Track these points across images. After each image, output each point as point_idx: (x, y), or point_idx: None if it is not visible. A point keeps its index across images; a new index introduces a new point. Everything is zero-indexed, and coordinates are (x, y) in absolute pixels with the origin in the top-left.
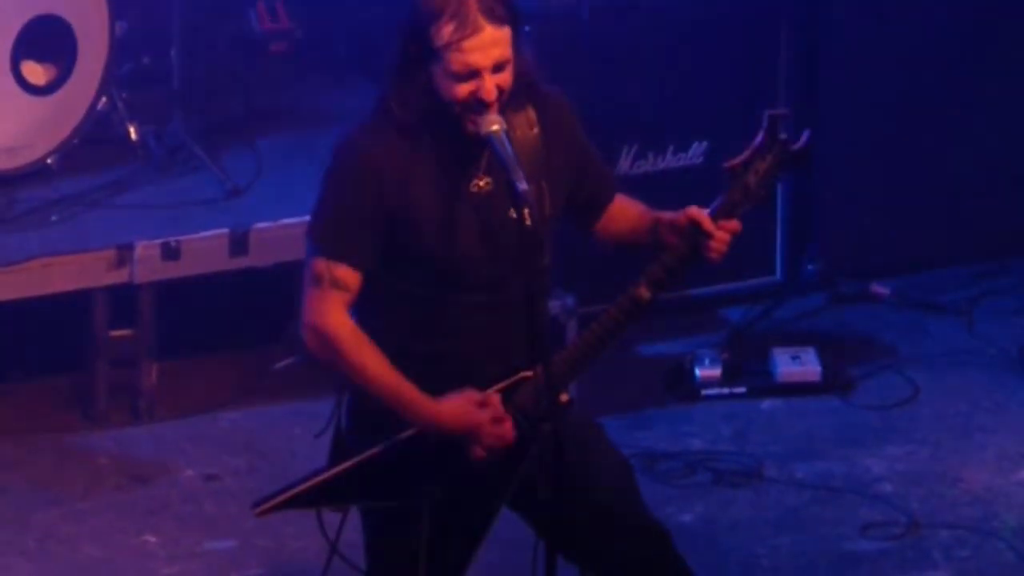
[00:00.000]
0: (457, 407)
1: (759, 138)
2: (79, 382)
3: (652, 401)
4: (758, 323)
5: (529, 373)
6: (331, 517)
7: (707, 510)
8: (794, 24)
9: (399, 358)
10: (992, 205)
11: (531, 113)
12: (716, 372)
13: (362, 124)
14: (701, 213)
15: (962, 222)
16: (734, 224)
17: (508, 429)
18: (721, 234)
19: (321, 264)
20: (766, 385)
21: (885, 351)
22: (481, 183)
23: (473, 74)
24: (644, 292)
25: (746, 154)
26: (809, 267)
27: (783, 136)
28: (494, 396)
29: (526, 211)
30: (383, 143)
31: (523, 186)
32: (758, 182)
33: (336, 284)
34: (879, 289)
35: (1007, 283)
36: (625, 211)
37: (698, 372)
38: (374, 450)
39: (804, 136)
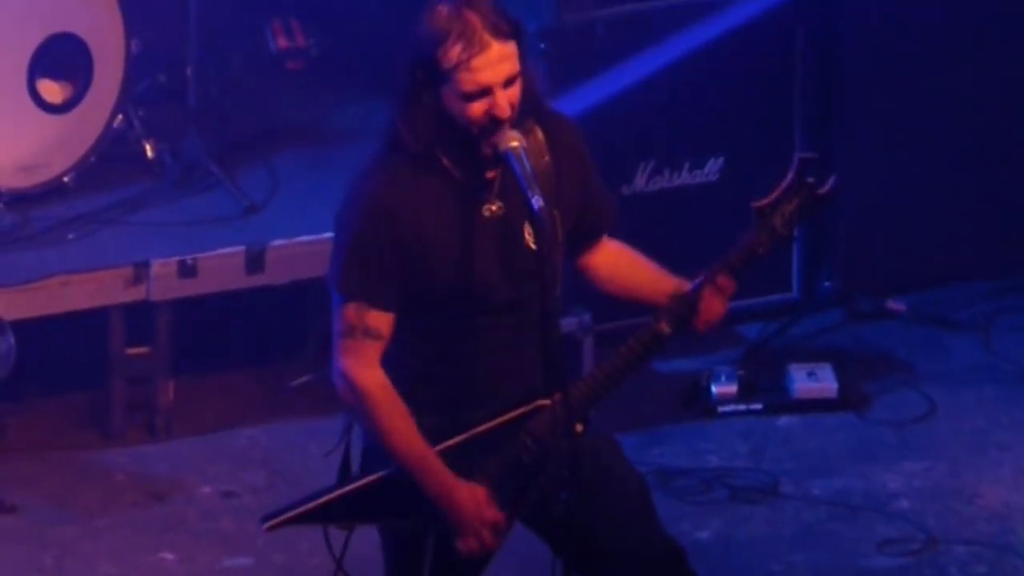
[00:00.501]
0: (471, 495)
1: (788, 180)
2: (96, 399)
3: (668, 418)
4: (774, 340)
5: (546, 401)
6: (340, 533)
7: (724, 527)
8: (810, 39)
9: (418, 383)
10: (1008, 221)
11: (540, 138)
12: (732, 389)
13: (370, 163)
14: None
15: (978, 238)
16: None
17: (493, 541)
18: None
19: (352, 312)
20: (782, 402)
21: (901, 367)
22: (493, 207)
23: (484, 92)
24: (664, 327)
25: (774, 195)
26: (825, 284)
27: (811, 180)
28: (502, 514)
29: (538, 231)
30: (393, 180)
31: (539, 203)
32: (784, 224)
33: (369, 333)
34: (895, 305)
35: None
36: (640, 263)
37: (714, 389)
38: (384, 471)
39: (831, 181)
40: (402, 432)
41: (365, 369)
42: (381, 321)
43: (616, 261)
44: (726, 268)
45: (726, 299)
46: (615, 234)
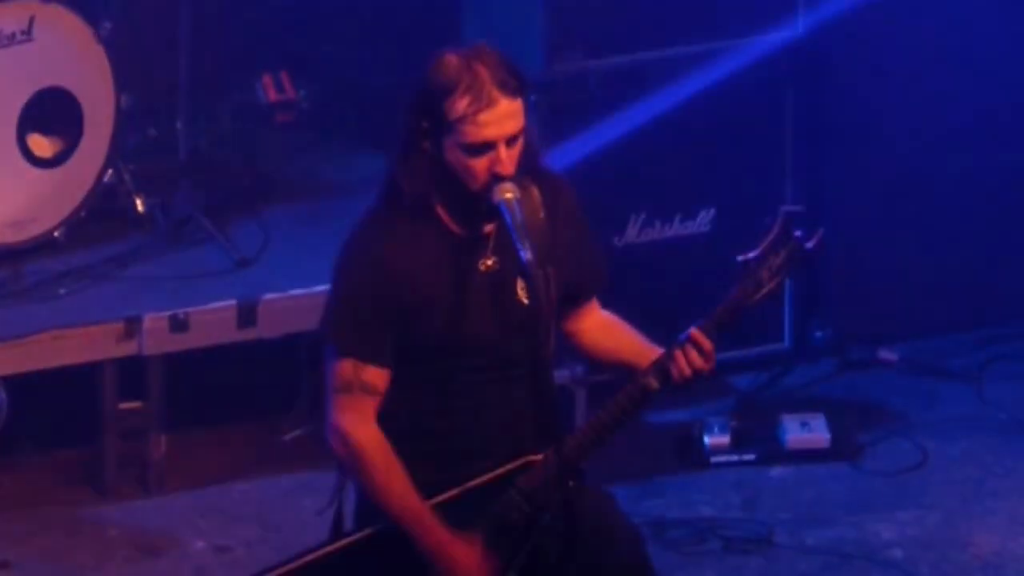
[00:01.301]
0: (467, 550)
1: (773, 233)
2: (88, 454)
3: (662, 469)
4: (767, 390)
5: (536, 456)
6: None
7: None
8: (800, 90)
9: (410, 438)
10: (1000, 270)
11: (536, 195)
12: (725, 439)
13: (367, 216)
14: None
15: (971, 287)
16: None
17: None
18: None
19: (348, 368)
20: (775, 452)
21: (894, 417)
22: (488, 262)
23: (487, 147)
24: (652, 382)
25: (760, 249)
26: (817, 334)
27: (797, 233)
28: (498, 570)
29: (529, 284)
30: (389, 234)
31: (528, 256)
32: (771, 277)
33: (366, 389)
34: (887, 355)
35: (1016, 348)
36: (628, 331)
37: (707, 440)
38: (375, 528)
39: (817, 234)
40: (397, 489)
41: (362, 426)
42: (378, 377)
43: (603, 328)
44: (713, 323)
45: (706, 354)
46: (607, 288)
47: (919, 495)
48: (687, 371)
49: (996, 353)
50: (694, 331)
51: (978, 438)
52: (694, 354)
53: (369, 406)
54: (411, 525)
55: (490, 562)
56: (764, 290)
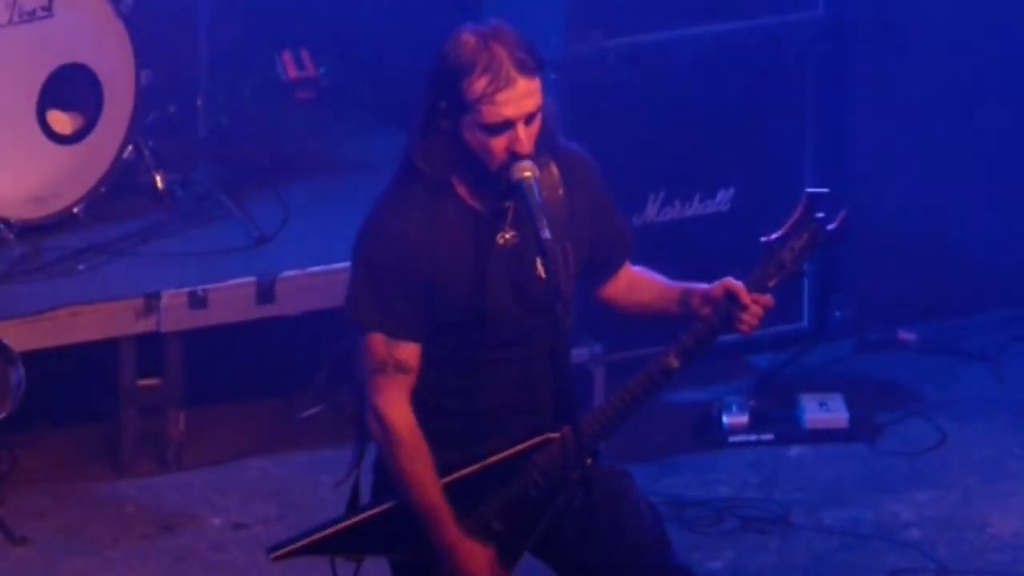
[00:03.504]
0: (477, 554)
1: (796, 215)
2: (107, 431)
3: (680, 448)
4: (785, 370)
5: (554, 434)
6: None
7: (735, 557)
8: (821, 69)
9: (431, 416)
10: (1020, 251)
11: (554, 171)
12: (743, 419)
13: (386, 192)
14: (738, 285)
15: (989, 268)
16: (767, 299)
17: None
18: (755, 308)
19: (380, 347)
20: (793, 432)
21: (912, 397)
22: (508, 235)
23: (506, 126)
24: (673, 361)
25: (782, 230)
26: (836, 314)
27: (820, 215)
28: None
29: (546, 263)
30: (408, 209)
31: (547, 235)
32: (793, 259)
33: (400, 367)
34: (906, 335)
35: None
36: (648, 281)
37: (725, 419)
38: (392, 503)
39: (840, 216)
40: (421, 479)
41: (396, 406)
42: (409, 353)
43: (628, 287)
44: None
45: (761, 308)
46: (633, 255)
47: (937, 476)
48: (756, 321)
49: (1015, 334)
50: (756, 295)
51: (996, 419)
52: (757, 308)
53: (404, 385)
54: (427, 517)
55: (497, 569)
56: (785, 271)
